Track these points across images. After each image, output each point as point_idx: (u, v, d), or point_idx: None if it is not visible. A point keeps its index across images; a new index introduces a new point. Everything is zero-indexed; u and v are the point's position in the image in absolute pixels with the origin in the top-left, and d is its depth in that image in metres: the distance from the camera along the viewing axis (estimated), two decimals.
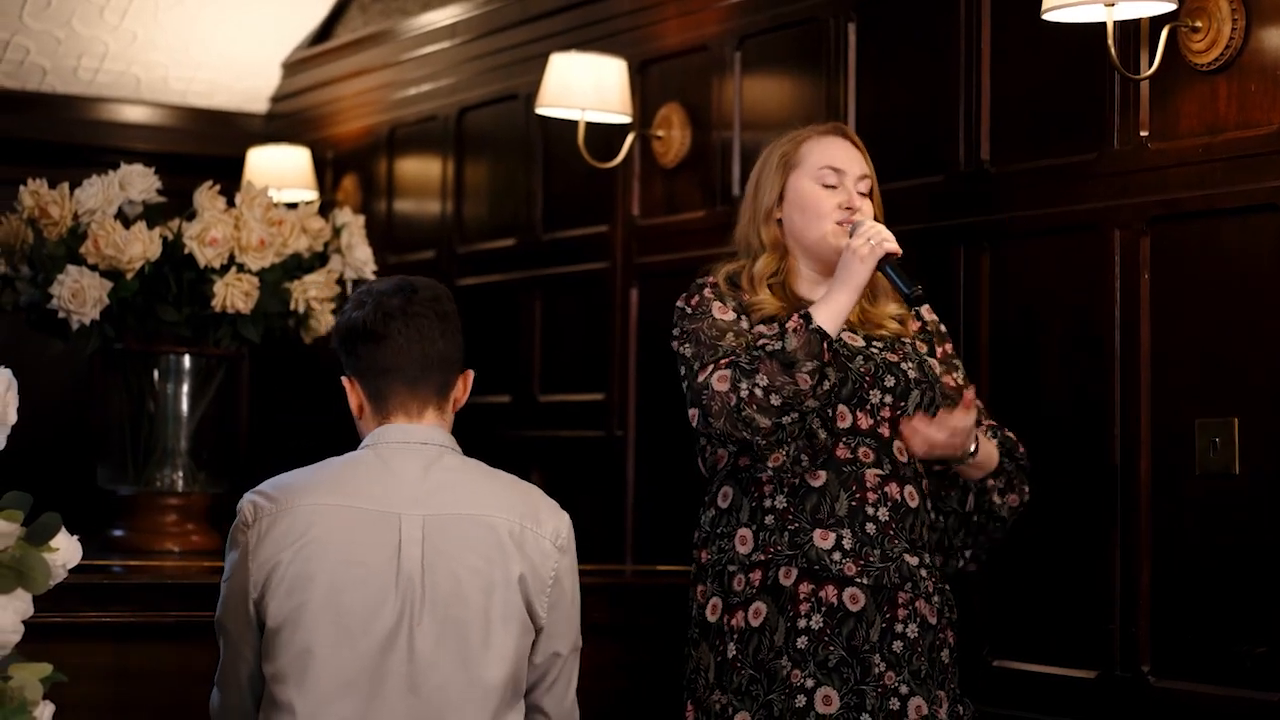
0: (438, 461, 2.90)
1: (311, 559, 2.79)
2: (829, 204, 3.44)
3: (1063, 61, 3.82)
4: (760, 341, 3.29)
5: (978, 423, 3.48)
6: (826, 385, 3.27)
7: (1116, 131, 3.70)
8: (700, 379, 3.30)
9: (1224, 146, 3.49)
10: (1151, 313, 3.62)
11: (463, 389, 3.00)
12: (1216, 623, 3.47)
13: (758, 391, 3.24)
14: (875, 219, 3.47)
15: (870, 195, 3.49)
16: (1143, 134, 3.65)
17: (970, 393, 3.40)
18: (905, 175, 4.11)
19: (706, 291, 3.45)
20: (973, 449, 3.43)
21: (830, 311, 3.28)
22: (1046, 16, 3.57)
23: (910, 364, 3.44)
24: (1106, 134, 3.71)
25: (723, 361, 3.29)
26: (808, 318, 3.26)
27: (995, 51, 3.98)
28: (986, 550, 3.56)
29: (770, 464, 3.33)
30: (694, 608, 3.43)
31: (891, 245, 3.30)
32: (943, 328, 3.61)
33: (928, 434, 3.38)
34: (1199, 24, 3.51)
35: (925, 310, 3.58)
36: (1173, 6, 3.51)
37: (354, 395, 2.98)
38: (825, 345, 3.24)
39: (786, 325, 3.27)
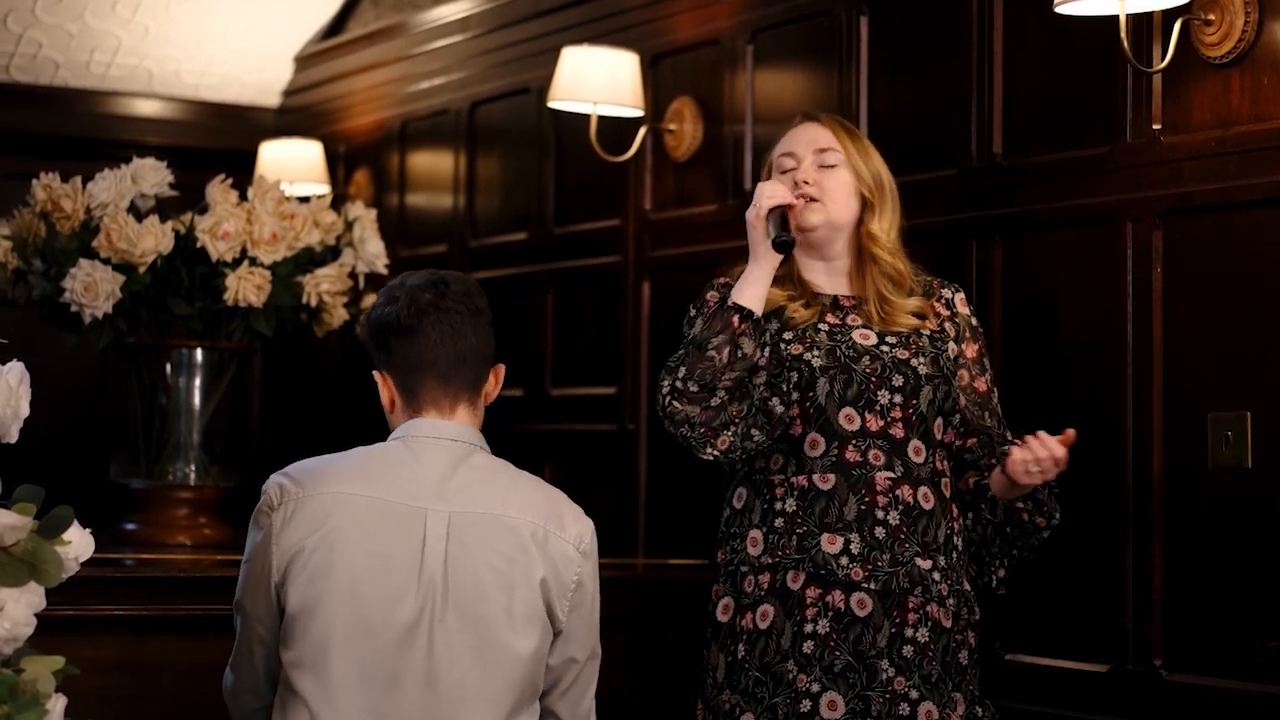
0: (466, 460, 2.90)
1: (335, 547, 2.79)
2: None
3: (1075, 54, 3.81)
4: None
5: (989, 438, 3.47)
6: (741, 354, 3.26)
7: (1129, 125, 3.69)
8: None
9: (1237, 139, 3.48)
10: (1164, 306, 3.61)
11: (494, 383, 3.01)
12: (1229, 617, 3.46)
13: (678, 384, 3.27)
14: (864, 193, 3.46)
15: (845, 165, 3.47)
16: (1155, 127, 3.64)
17: (1071, 434, 3.34)
18: (918, 169, 4.10)
19: (710, 294, 3.46)
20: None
21: (743, 285, 3.32)
22: (1059, 9, 3.56)
23: (923, 359, 3.41)
24: (1119, 127, 3.71)
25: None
26: (723, 299, 3.31)
27: (1008, 44, 3.98)
28: (1012, 569, 3.55)
29: (716, 448, 3.30)
30: (709, 606, 3.43)
31: (774, 200, 3.32)
32: (974, 321, 3.56)
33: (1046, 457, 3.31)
34: (1211, 17, 3.50)
35: (960, 303, 3.54)
36: None
37: (385, 390, 2.98)
38: (737, 318, 3.26)
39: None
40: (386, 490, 2.84)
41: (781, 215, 3.32)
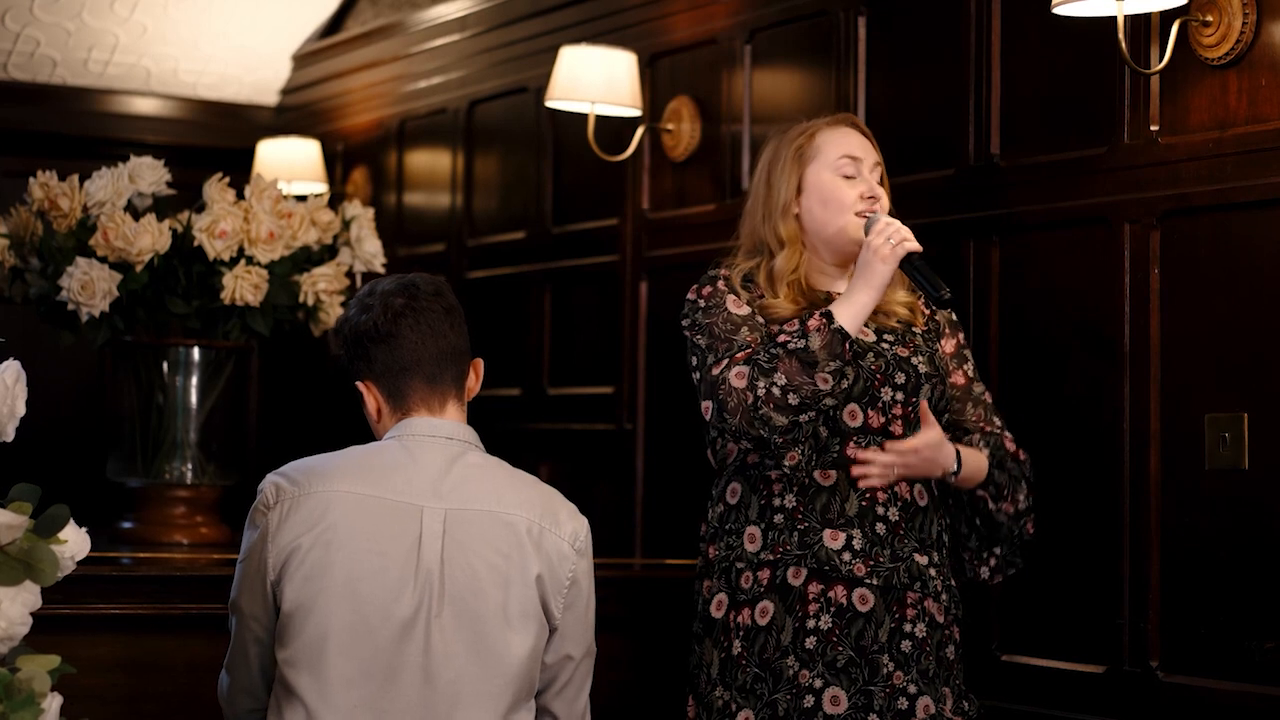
0: (461, 457, 2.90)
1: (331, 545, 2.80)
2: (851, 195, 3.41)
3: (1073, 55, 3.82)
4: (781, 338, 3.27)
5: (966, 431, 3.47)
6: (845, 384, 3.26)
7: (1127, 125, 3.69)
8: (715, 373, 3.29)
9: (1234, 141, 3.48)
10: (1161, 307, 3.61)
11: (475, 378, 3.02)
12: (1226, 617, 3.47)
13: (775, 390, 3.23)
14: (891, 206, 3.47)
15: (882, 183, 3.48)
16: (1153, 128, 3.64)
17: (923, 405, 3.38)
18: (915, 169, 4.11)
19: (720, 284, 3.43)
20: (955, 468, 3.39)
21: (851, 311, 3.27)
22: (1057, 10, 3.56)
23: (921, 358, 3.43)
24: (1117, 128, 3.71)
25: (739, 356, 3.28)
26: (829, 316, 3.25)
27: (1005, 45, 3.98)
28: (1010, 566, 3.55)
29: (786, 463, 3.32)
30: (699, 603, 3.43)
31: (912, 244, 3.28)
32: (954, 316, 3.58)
33: (890, 461, 3.32)
34: (1209, 18, 3.51)
35: None
36: (1183, 0, 3.50)
37: (371, 399, 2.98)
38: (847, 345, 3.24)
39: (808, 324, 3.24)
40: (383, 488, 2.85)
41: (924, 262, 3.29)
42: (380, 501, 2.83)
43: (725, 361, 3.29)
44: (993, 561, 3.53)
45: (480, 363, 3.03)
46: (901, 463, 3.33)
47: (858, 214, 3.39)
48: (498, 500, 2.87)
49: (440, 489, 2.85)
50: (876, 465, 3.33)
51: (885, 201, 3.45)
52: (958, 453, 3.40)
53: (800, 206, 3.46)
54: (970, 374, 3.53)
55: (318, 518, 2.81)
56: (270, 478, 2.89)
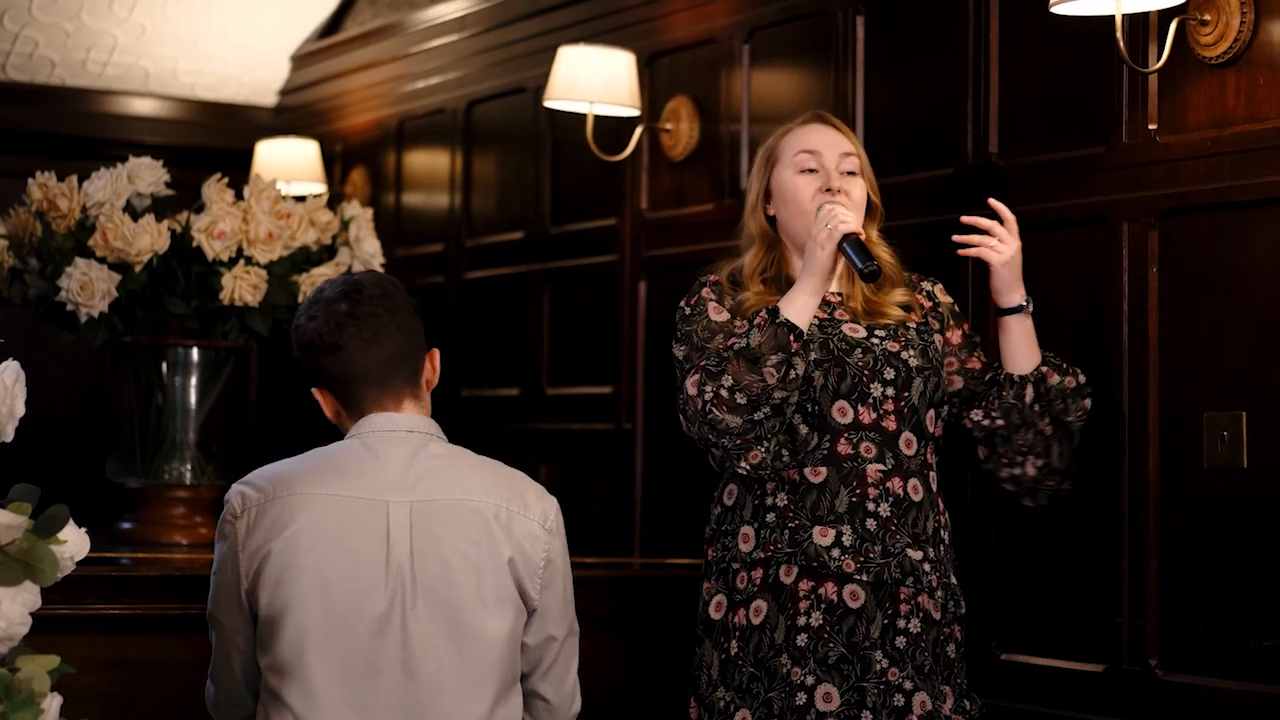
0: (423, 449, 2.92)
1: (300, 548, 2.81)
2: (807, 191, 3.44)
3: (1071, 54, 3.82)
4: (730, 341, 3.29)
5: (998, 385, 3.49)
6: (794, 374, 3.25)
7: (1125, 125, 3.69)
8: (682, 385, 3.33)
9: (1232, 140, 3.48)
10: (1160, 306, 3.61)
11: (431, 369, 3.03)
12: (1225, 616, 3.47)
13: (723, 393, 3.24)
14: (869, 198, 3.48)
15: (861, 173, 3.49)
16: (1151, 127, 3.64)
17: (1001, 207, 3.50)
18: (913, 168, 4.11)
19: (705, 291, 3.46)
20: (1028, 297, 3.48)
21: (796, 302, 3.29)
22: (1055, 9, 3.56)
23: (912, 351, 3.43)
24: (1115, 127, 3.71)
25: (700, 365, 3.30)
26: (774, 312, 3.27)
27: (1004, 44, 3.98)
28: (1065, 468, 3.52)
29: (748, 462, 3.31)
30: (700, 604, 3.43)
31: (848, 226, 3.29)
32: (956, 308, 3.60)
33: (1002, 236, 3.47)
34: (1207, 17, 3.51)
35: (940, 292, 3.58)
36: None
37: (328, 404, 3.01)
38: (792, 337, 3.24)
39: (753, 321, 3.27)
40: (347, 487, 2.86)
41: (857, 241, 3.30)
42: (346, 500, 2.85)
43: (690, 371, 3.31)
44: (1039, 462, 3.49)
45: (436, 353, 3.04)
46: (1004, 241, 3.47)
47: (818, 208, 3.41)
48: (463, 488, 2.89)
49: (405, 482, 2.87)
50: (977, 243, 3.47)
51: (856, 192, 3.45)
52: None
53: (773, 209, 3.51)
54: (983, 359, 3.55)
55: (285, 522, 2.83)
56: (235, 487, 2.92)
